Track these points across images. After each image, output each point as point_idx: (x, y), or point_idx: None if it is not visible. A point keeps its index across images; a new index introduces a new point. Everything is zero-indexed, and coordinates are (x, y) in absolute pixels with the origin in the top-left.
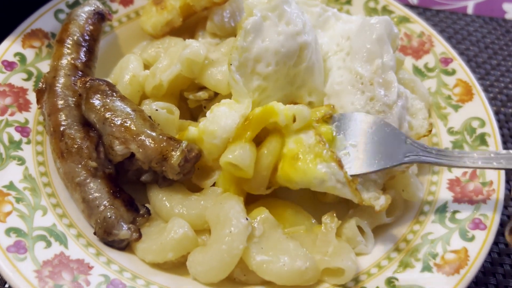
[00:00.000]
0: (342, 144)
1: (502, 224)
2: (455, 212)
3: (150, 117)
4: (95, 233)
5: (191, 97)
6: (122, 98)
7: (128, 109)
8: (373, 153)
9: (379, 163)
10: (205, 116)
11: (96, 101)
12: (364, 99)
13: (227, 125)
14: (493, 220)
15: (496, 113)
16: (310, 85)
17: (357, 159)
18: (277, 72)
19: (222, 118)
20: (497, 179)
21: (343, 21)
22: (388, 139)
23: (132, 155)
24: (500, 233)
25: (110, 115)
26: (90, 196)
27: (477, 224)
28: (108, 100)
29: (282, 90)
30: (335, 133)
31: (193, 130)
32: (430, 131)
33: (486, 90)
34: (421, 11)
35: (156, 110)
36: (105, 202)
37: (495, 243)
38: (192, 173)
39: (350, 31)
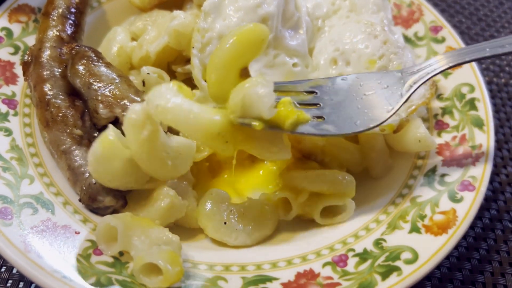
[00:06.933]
0: None
1: (494, 191)
2: (444, 175)
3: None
4: (80, 200)
5: (180, 70)
6: (108, 65)
7: (114, 75)
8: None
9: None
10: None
11: (81, 67)
12: (378, 42)
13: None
14: (482, 180)
15: (489, 83)
16: (287, 49)
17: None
18: None
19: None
20: (486, 141)
21: None
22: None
23: (117, 119)
24: (491, 199)
25: (95, 80)
26: (76, 164)
27: (466, 186)
28: (93, 66)
29: (259, 63)
30: None
31: None
32: None
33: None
34: None
35: (148, 73)
36: None
37: (486, 209)
38: None
39: None
